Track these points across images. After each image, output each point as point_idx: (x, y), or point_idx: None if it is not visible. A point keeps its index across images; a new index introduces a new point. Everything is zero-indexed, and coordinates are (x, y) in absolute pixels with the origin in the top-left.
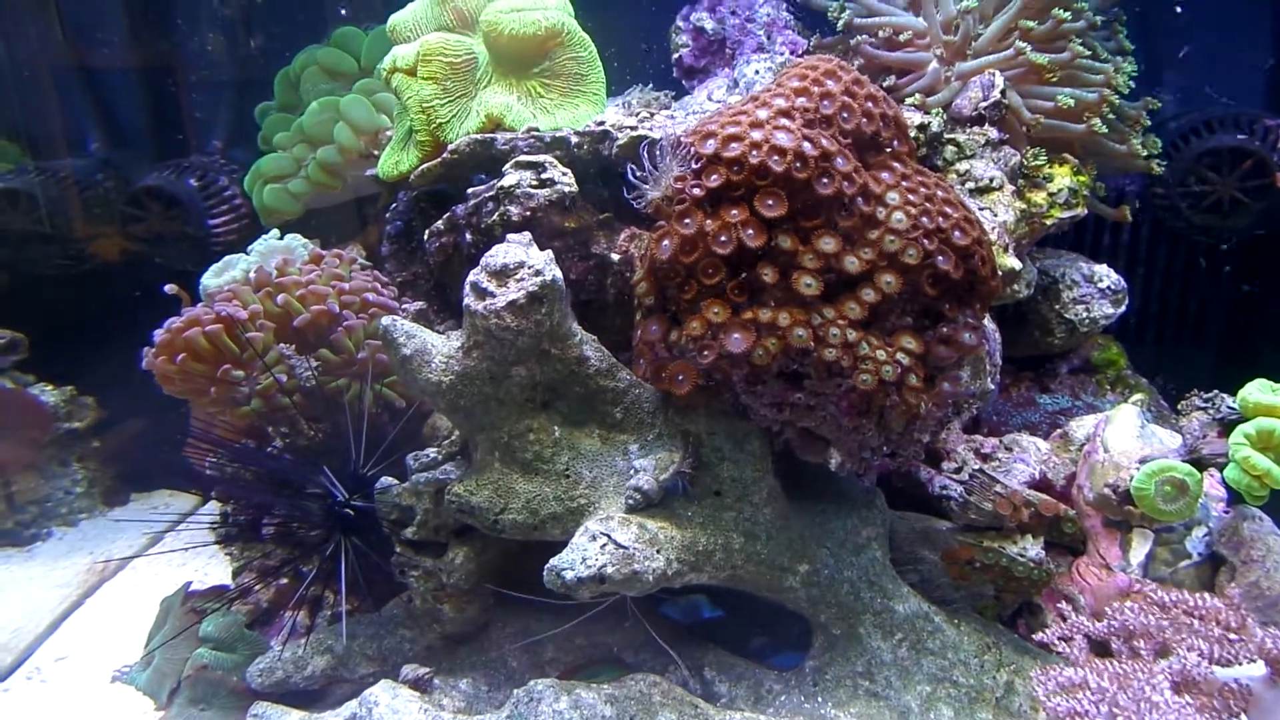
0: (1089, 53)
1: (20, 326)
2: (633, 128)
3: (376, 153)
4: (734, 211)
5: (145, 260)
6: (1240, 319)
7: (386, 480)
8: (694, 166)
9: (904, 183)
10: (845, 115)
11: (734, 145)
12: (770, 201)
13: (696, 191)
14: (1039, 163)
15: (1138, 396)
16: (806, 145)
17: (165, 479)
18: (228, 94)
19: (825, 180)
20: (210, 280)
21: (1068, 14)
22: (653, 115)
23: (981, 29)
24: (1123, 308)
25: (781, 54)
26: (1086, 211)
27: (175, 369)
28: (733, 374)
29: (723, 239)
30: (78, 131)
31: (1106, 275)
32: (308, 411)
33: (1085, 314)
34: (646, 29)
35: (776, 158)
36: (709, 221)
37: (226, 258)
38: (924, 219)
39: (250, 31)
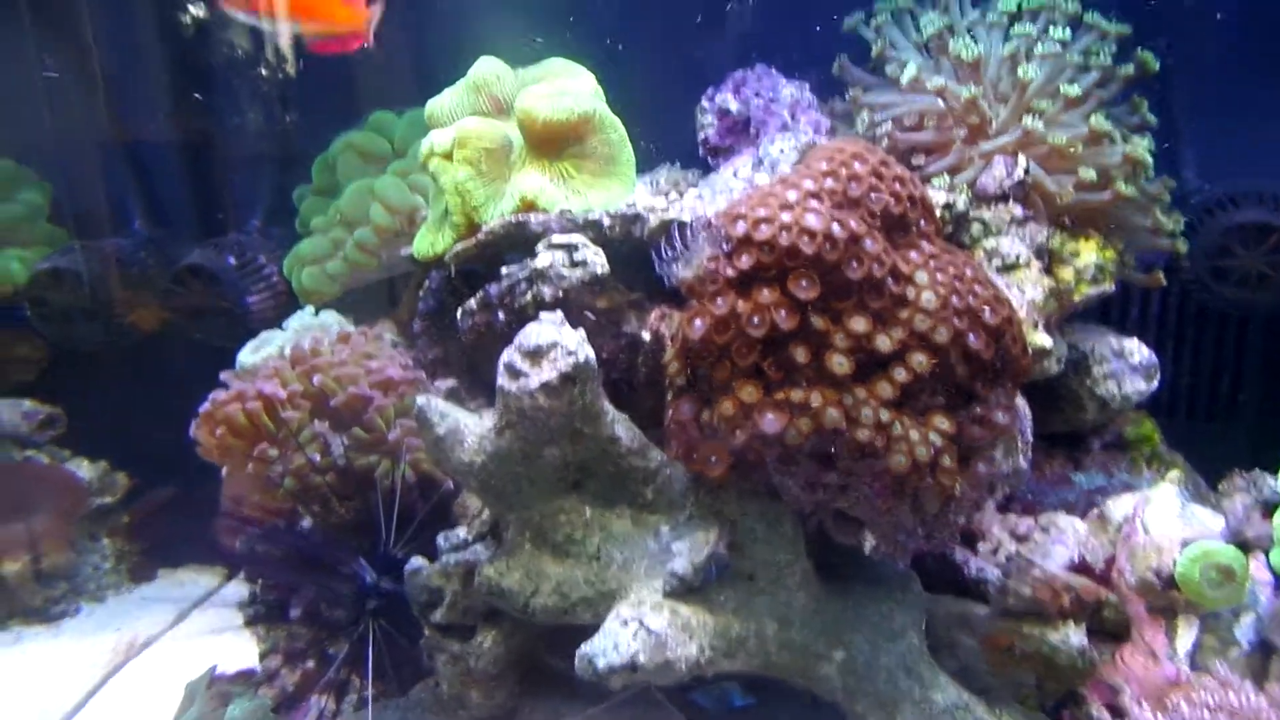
0: (1108, 127)
1: (59, 401)
2: (663, 210)
3: (411, 231)
4: (766, 293)
5: (183, 336)
6: (1274, 393)
7: (416, 562)
8: (725, 248)
9: (932, 262)
10: (873, 196)
11: (764, 227)
12: (803, 283)
13: (729, 272)
14: (1065, 238)
15: (1174, 474)
16: (836, 227)
17: (193, 554)
18: (266, 172)
19: (855, 262)
20: (246, 357)
21: (1075, 89)
22: (681, 194)
23: (1001, 109)
24: (1155, 383)
25: (805, 133)
26: (1114, 288)
27: (214, 442)
28: (765, 455)
29: (755, 320)
30: (122, 209)
31: (1138, 350)
32: (340, 489)
33: (1117, 390)
34: (672, 109)
35: (807, 239)
36: (741, 302)
37: (263, 334)
38: (954, 298)
39: (288, 110)
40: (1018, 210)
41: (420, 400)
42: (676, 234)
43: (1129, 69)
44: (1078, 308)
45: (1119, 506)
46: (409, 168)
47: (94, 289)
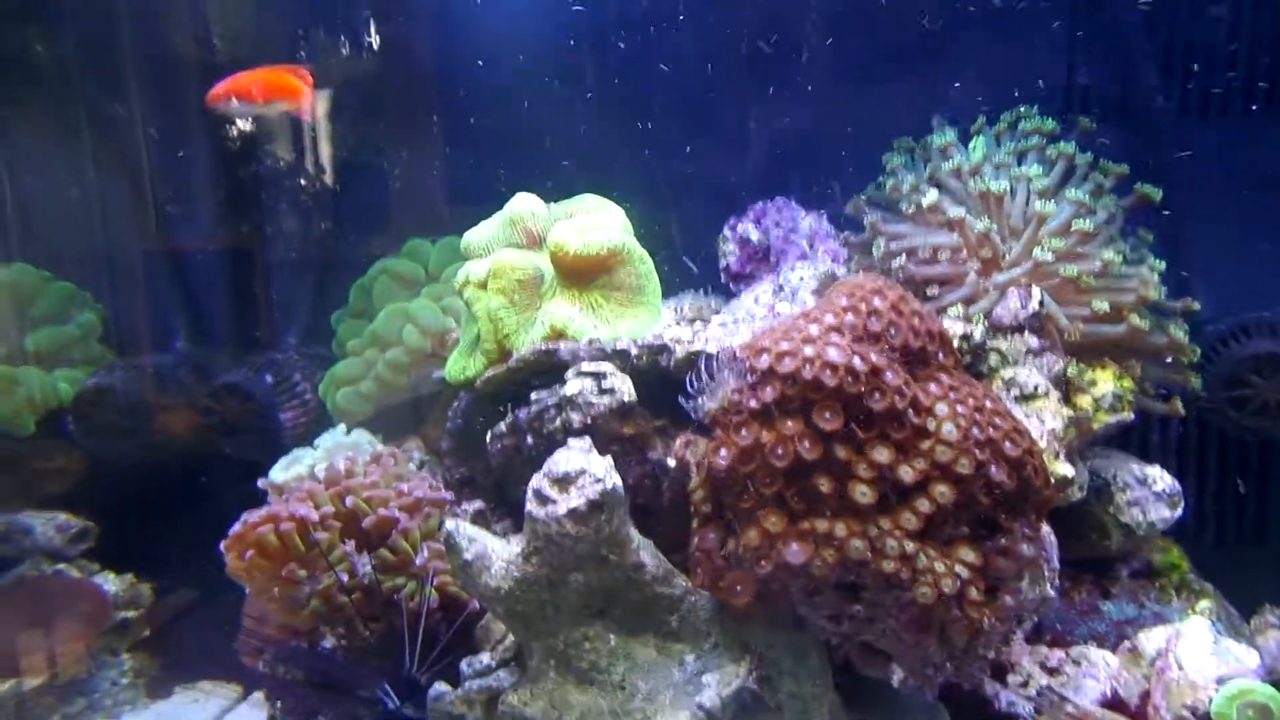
0: (1120, 259)
1: (92, 514)
2: (689, 341)
3: (443, 353)
4: (789, 424)
5: (216, 451)
6: None
7: (439, 688)
8: (749, 380)
9: (952, 394)
10: (893, 331)
11: (787, 360)
12: (827, 415)
13: (753, 404)
14: (1082, 367)
15: (1204, 603)
16: (857, 360)
17: (211, 669)
18: (304, 292)
19: (877, 394)
20: (278, 474)
21: (1087, 224)
22: (705, 321)
23: (1014, 243)
24: (1179, 511)
25: (824, 261)
26: (1134, 416)
27: (244, 565)
28: (791, 585)
29: (779, 451)
30: (166, 328)
31: (1160, 478)
32: (365, 611)
33: (1142, 517)
34: (696, 238)
35: (829, 373)
36: (765, 433)
37: (294, 452)
38: (974, 430)
39: (326, 233)
40: (1034, 341)
41: (449, 525)
42: (702, 366)
43: (1129, 200)
44: (1098, 436)
45: (1151, 639)
46: (442, 292)
47: (133, 406)
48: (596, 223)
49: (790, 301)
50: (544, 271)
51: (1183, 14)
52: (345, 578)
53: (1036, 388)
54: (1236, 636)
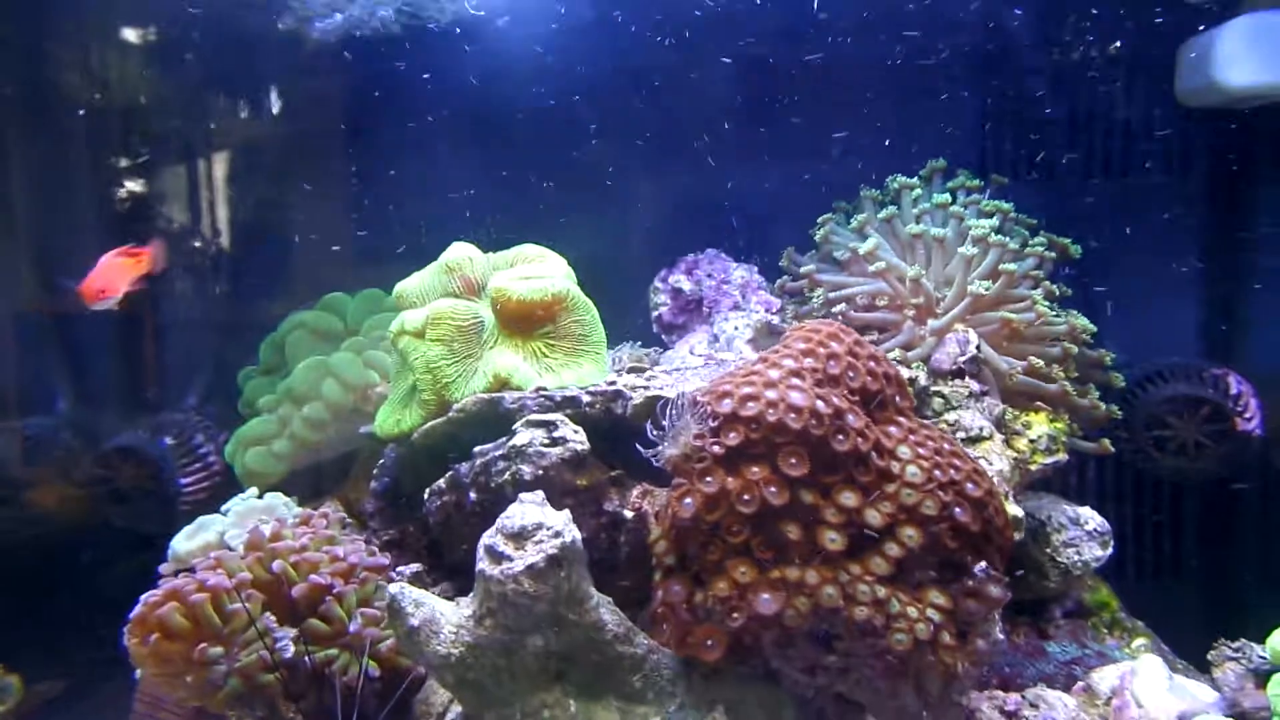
0: (1053, 312)
1: None
2: (645, 387)
3: (366, 409)
4: (754, 469)
5: (104, 523)
6: (1221, 557)
7: None
8: (711, 424)
9: (911, 436)
10: (851, 374)
11: (751, 404)
12: (793, 459)
13: (716, 449)
14: (1015, 412)
15: (1139, 641)
16: (820, 403)
17: None
18: (201, 350)
19: (841, 437)
20: (181, 545)
21: (1014, 267)
22: (645, 371)
23: (948, 290)
24: (1110, 550)
25: (757, 311)
26: (1067, 457)
27: (147, 652)
28: (763, 636)
29: (746, 498)
30: (42, 388)
31: (1091, 518)
32: (291, 689)
33: (1077, 557)
34: (623, 290)
35: (793, 415)
36: (731, 479)
37: (200, 519)
38: (936, 471)
39: (227, 284)
40: (974, 385)
41: (392, 589)
42: (661, 411)
43: (1051, 253)
44: (1035, 478)
45: (1104, 678)
46: (362, 345)
47: (6, 473)
48: (539, 270)
49: (727, 349)
50: (484, 320)
51: (1082, 82)
52: (268, 654)
53: (981, 430)
54: (1173, 671)
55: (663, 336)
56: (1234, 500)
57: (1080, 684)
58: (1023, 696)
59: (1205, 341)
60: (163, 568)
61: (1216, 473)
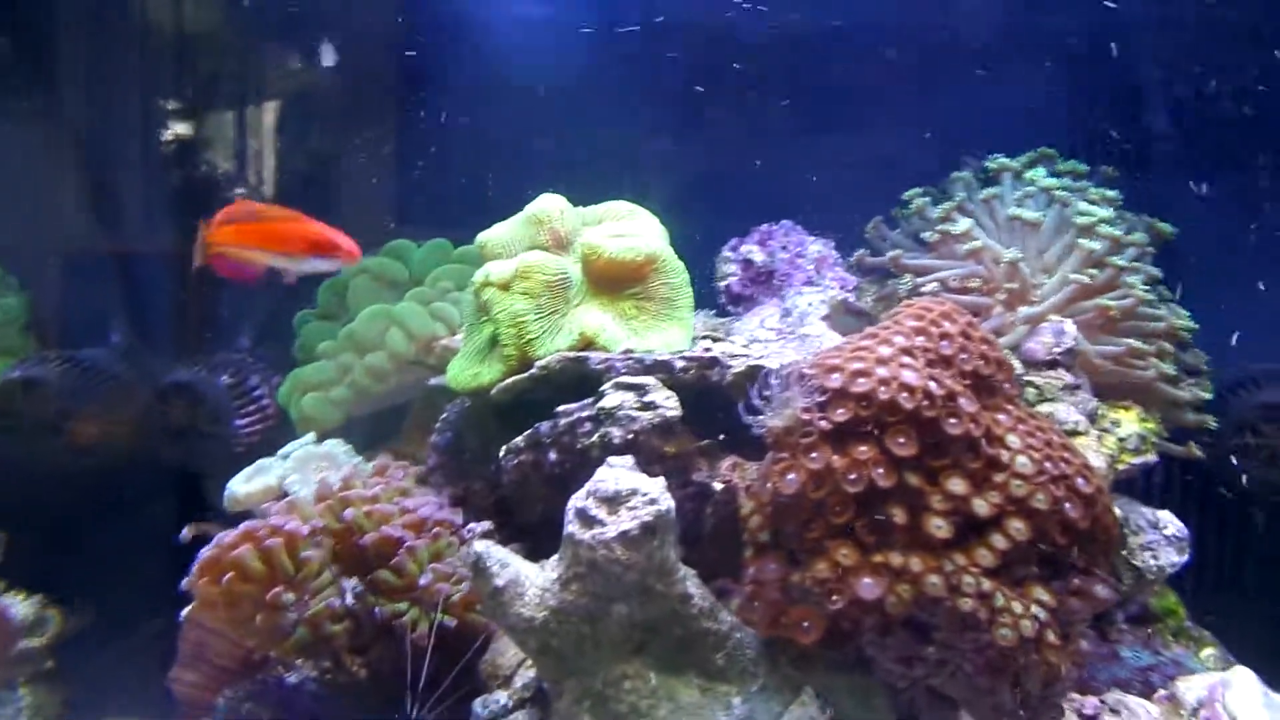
0: (1152, 297)
1: (7, 524)
2: (744, 355)
3: (428, 360)
4: (863, 448)
5: (154, 459)
6: None
7: None
8: (819, 399)
9: (1021, 425)
10: (964, 356)
11: (861, 380)
12: (902, 440)
13: (824, 424)
14: (1106, 408)
15: (1208, 652)
16: (933, 384)
17: (125, 706)
18: (256, 289)
19: (954, 420)
20: (239, 487)
21: (1124, 262)
22: (719, 341)
23: (1045, 277)
24: (1186, 556)
25: (831, 288)
26: (1156, 458)
27: (219, 591)
28: (863, 622)
29: (852, 477)
30: (100, 321)
31: (1171, 522)
32: (357, 642)
33: (1153, 561)
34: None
35: (905, 395)
36: (836, 457)
37: (258, 462)
38: (1048, 464)
39: None
40: (1068, 377)
41: (479, 547)
42: (764, 381)
43: (1152, 247)
44: (1119, 478)
45: (1190, 688)
46: (428, 296)
47: (64, 403)
48: (631, 228)
49: (800, 325)
50: (571, 276)
51: (1193, 62)
52: (338, 603)
53: (1077, 424)
54: None
55: (729, 307)
56: None
57: (1163, 693)
58: (1102, 701)
59: None
60: (184, 533)
61: None
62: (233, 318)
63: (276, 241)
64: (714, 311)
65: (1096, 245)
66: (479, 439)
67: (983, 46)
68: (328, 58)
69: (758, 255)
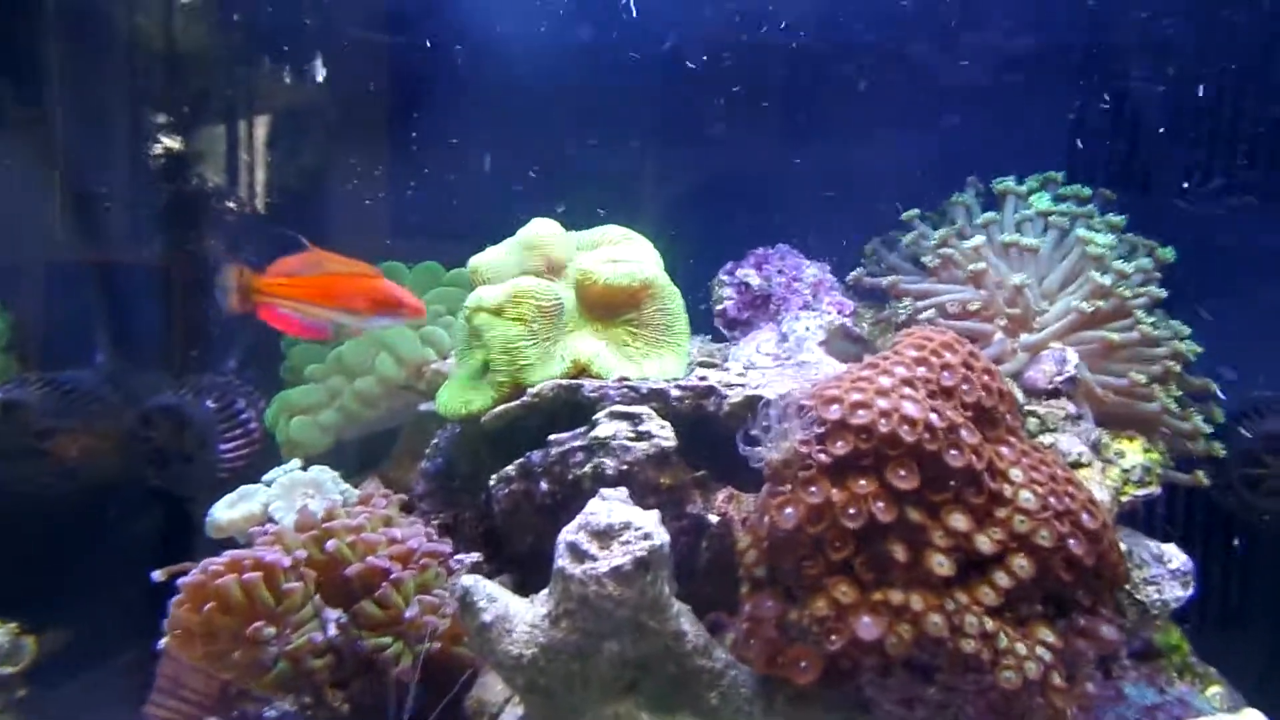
0: (1156, 331)
1: None
2: (741, 385)
3: (419, 386)
4: (862, 482)
5: (138, 483)
6: None
7: None
8: (817, 431)
9: (1024, 459)
10: (966, 388)
11: (861, 412)
12: (903, 473)
13: (823, 458)
14: (1109, 438)
15: (1214, 690)
16: (934, 416)
17: None
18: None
19: (955, 452)
20: (222, 513)
21: (1129, 292)
22: (715, 367)
23: (1046, 305)
24: (1190, 590)
25: (829, 312)
26: (1160, 490)
27: (199, 621)
28: (862, 662)
29: (852, 511)
30: (85, 341)
31: (1175, 556)
32: (339, 676)
33: (1157, 596)
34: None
35: (907, 427)
36: (836, 491)
37: (242, 488)
38: (1052, 499)
39: (272, 249)
40: (1070, 407)
41: (467, 581)
42: (761, 412)
43: (1158, 273)
44: (1123, 510)
45: None
46: (419, 320)
47: (46, 426)
48: (626, 254)
49: (797, 350)
50: (565, 302)
51: (1192, 91)
52: (320, 637)
53: (1080, 455)
54: None
55: (725, 332)
56: None
57: None
58: None
59: None
60: (156, 574)
61: None
62: (220, 339)
63: (336, 297)
64: (709, 337)
65: (1102, 278)
66: (470, 466)
67: (984, 68)
68: (318, 73)
69: (754, 279)
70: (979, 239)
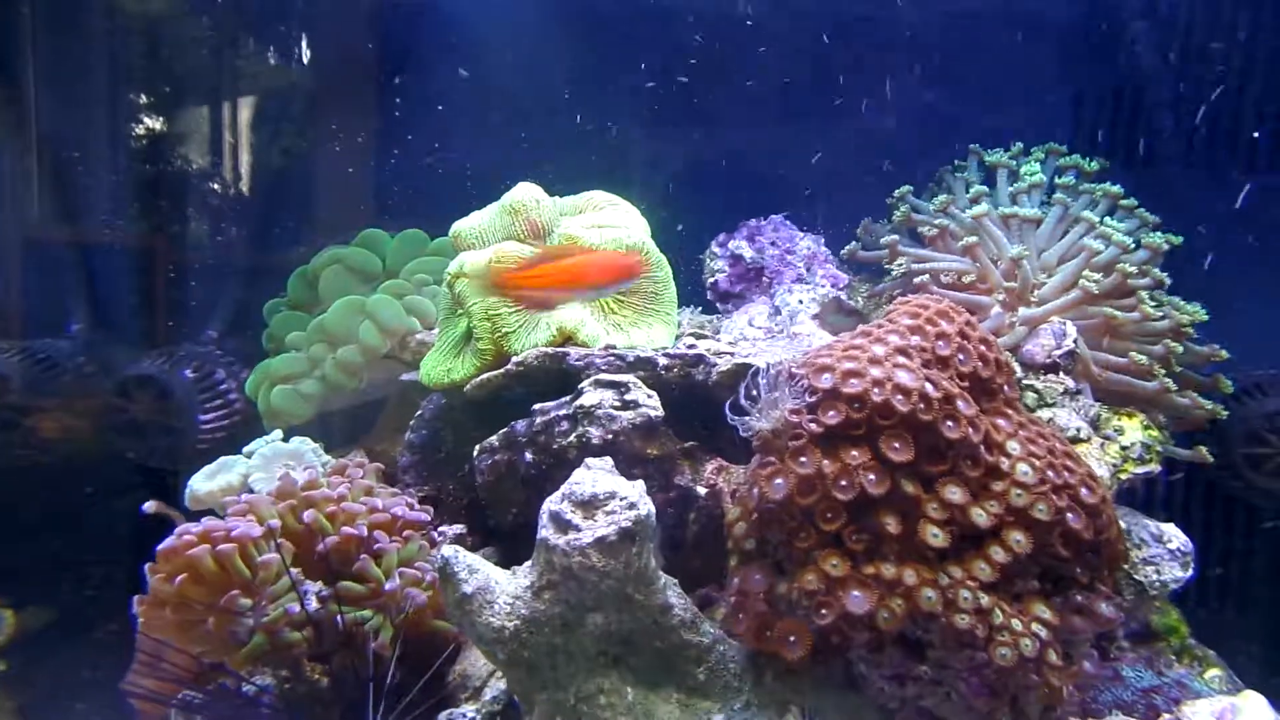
0: (1159, 313)
1: None
2: (730, 354)
3: (401, 356)
4: (854, 453)
5: (115, 454)
6: None
7: None
8: (809, 400)
9: (1022, 431)
10: (962, 357)
11: (854, 381)
12: (896, 444)
13: (814, 427)
14: (1108, 414)
15: (1213, 673)
16: (929, 386)
17: (81, 710)
18: (226, 281)
19: (951, 423)
20: (201, 484)
21: (1134, 269)
22: (706, 339)
23: (1044, 277)
24: (1190, 572)
25: (822, 285)
26: (1160, 469)
27: (172, 592)
28: (853, 638)
29: (843, 483)
30: (60, 311)
31: (1175, 536)
32: (317, 649)
33: (1156, 576)
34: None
35: (900, 397)
36: (827, 462)
37: (221, 459)
38: (1050, 472)
39: (251, 219)
40: (1069, 381)
41: (447, 551)
42: (752, 381)
43: (1166, 246)
44: (1122, 487)
45: (1196, 713)
46: (402, 288)
47: (21, 395)
48: (612, 219)
49: (789, 323)
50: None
51: (1199, 65)
52: (296, 609)
53: (1078, 431)
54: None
55: (717, 305)
56: None
57: (1168, 717)
58: None
59: None
60: (147, 505)
61: None
62: (200, 308)
63: (576, 280)
64: (700, 309)
65: (1101, 247)
66: (454, 437)
67: (983, 38)
68: (303, 47)
69: (746, 251)
70: (982, 208)
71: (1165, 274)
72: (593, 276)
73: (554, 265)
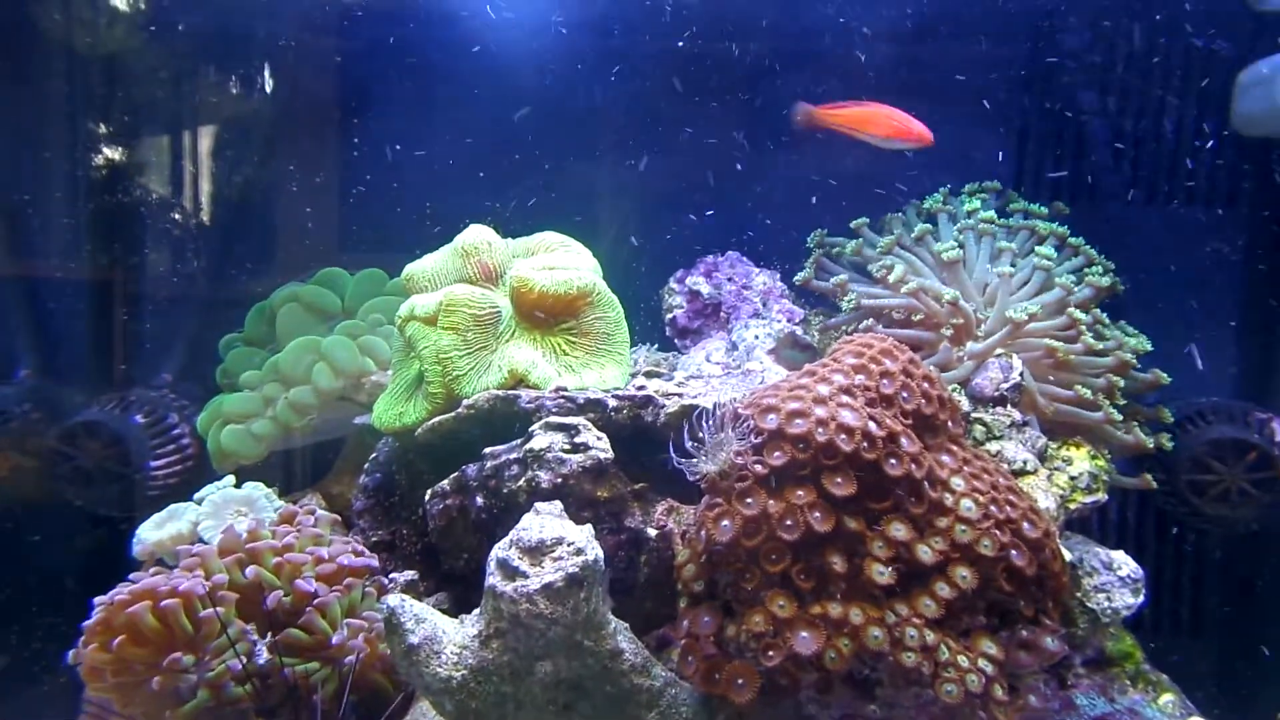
0: (1100, 346)
1: None
2: (678, 395)
3: (356, 398)
4: (800, 492)
5: (63, 503)
6: (1256, 613)
7: None
8: (754, 441)
9: (966, 467)
10: (905, 395)
11: (799, 421)
12: (839, 480)
13: (759, 468)
14: (1055, 445)
15: (1166, 698)
16: (872, 425)
17: None
18: (180, 321)
19: (894, 461)
20: (149, 533)
21: (1076, 311)
22: (662, 376)
23: (989, 312)
24: (1141, 598)
25: (779, 320)
26: (1107, 497)
27: (110, 658)
28: (801, 679)
29: (789, 523)
30: (4, 355)
31: (1125, 563)
32: (262, 704)
33: (1108, 603)
34: (630, 289)
35: (844, 436)
36: (773, 502)
37: (171, 507)
38: (993, 507)
39: (208, 257)
40: (1016, 414)
41: (392, 601)
42: (698, 422)
43: (1106, 281)
44: (1070, 517)
45: None
46: (358, 329)
47: None
48: (564, 260)
49: (746, 358)
50: (501, 310)
51: (1122, 103)
52: (240, 664)
53: (1025, 463)
54: None
55: (675, 341)
56: (1272, 552)
57: None
58: None
59: (1246, 384)
60: (136, 551)
61: (1257, 522)
62: (154, 349)
63: (865, 124)
64: (657, 346)
65: (1046, 289)
66: (408, 480)
67: (934, 77)
68: (262, 80)
69: (704, 287)
70: (900, 267)
71: (1105, 314)
72: (869, 125)
73: (845, 111)
